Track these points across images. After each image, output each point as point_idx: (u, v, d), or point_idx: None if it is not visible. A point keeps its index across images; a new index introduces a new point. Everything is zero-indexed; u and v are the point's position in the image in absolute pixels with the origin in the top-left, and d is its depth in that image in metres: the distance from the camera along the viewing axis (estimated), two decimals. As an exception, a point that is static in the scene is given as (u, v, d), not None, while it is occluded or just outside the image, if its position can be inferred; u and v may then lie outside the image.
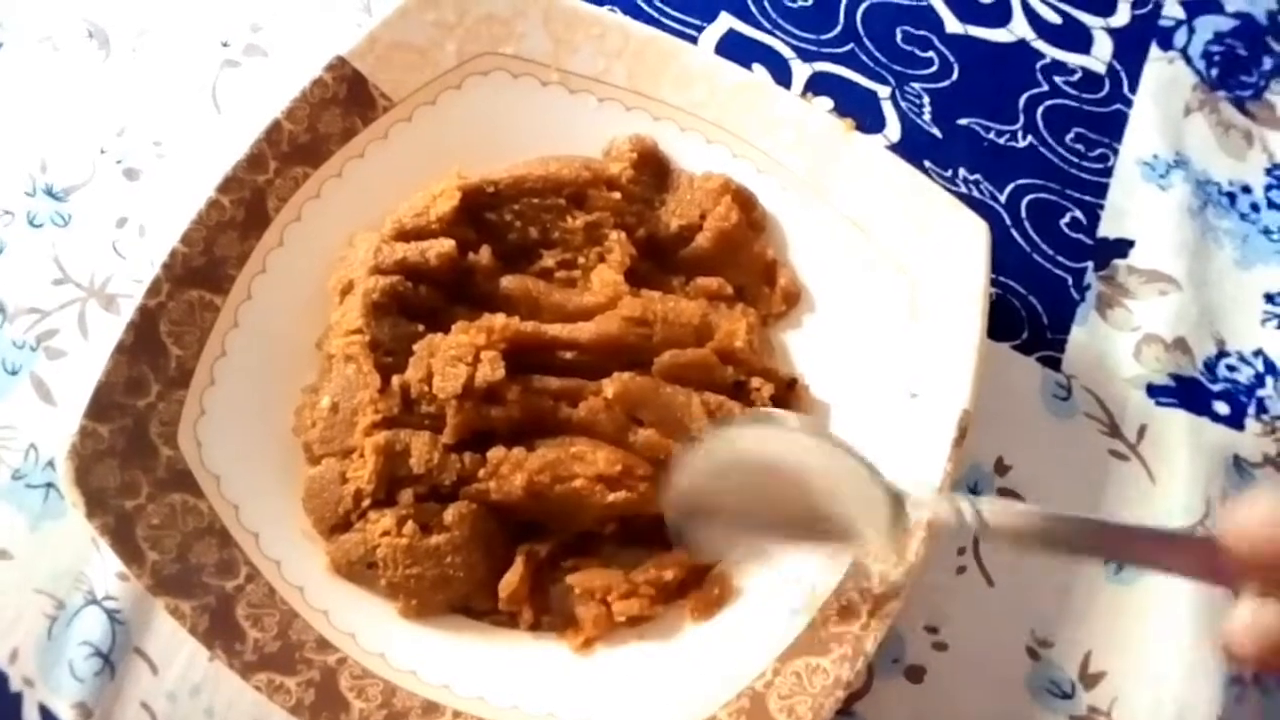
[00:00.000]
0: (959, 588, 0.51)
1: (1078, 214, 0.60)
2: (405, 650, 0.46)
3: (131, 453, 0.46)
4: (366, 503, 0.47)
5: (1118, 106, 0.64)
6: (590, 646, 0.48)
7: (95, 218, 0.57)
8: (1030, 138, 0.62)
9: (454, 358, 0.48)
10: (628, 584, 0.48)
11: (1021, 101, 0.63)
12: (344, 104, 0.54)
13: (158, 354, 0.48)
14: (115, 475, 0.45)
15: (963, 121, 0.62)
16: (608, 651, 0.48)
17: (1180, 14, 0.68)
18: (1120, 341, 0.57)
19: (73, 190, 0.58)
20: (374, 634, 0.47)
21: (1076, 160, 0.62)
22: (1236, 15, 0.68)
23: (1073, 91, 0.64)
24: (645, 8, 0.65)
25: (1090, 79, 0.65)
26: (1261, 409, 0.56)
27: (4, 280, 0.56)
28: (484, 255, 0.52)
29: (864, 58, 0.64)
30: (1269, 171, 0.63)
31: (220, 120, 0.61)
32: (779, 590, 0.47)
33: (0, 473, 0.51)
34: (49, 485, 0.51)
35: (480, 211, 0.53)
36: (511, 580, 0.48)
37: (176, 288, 0.49)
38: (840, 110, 0.62)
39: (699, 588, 0.49)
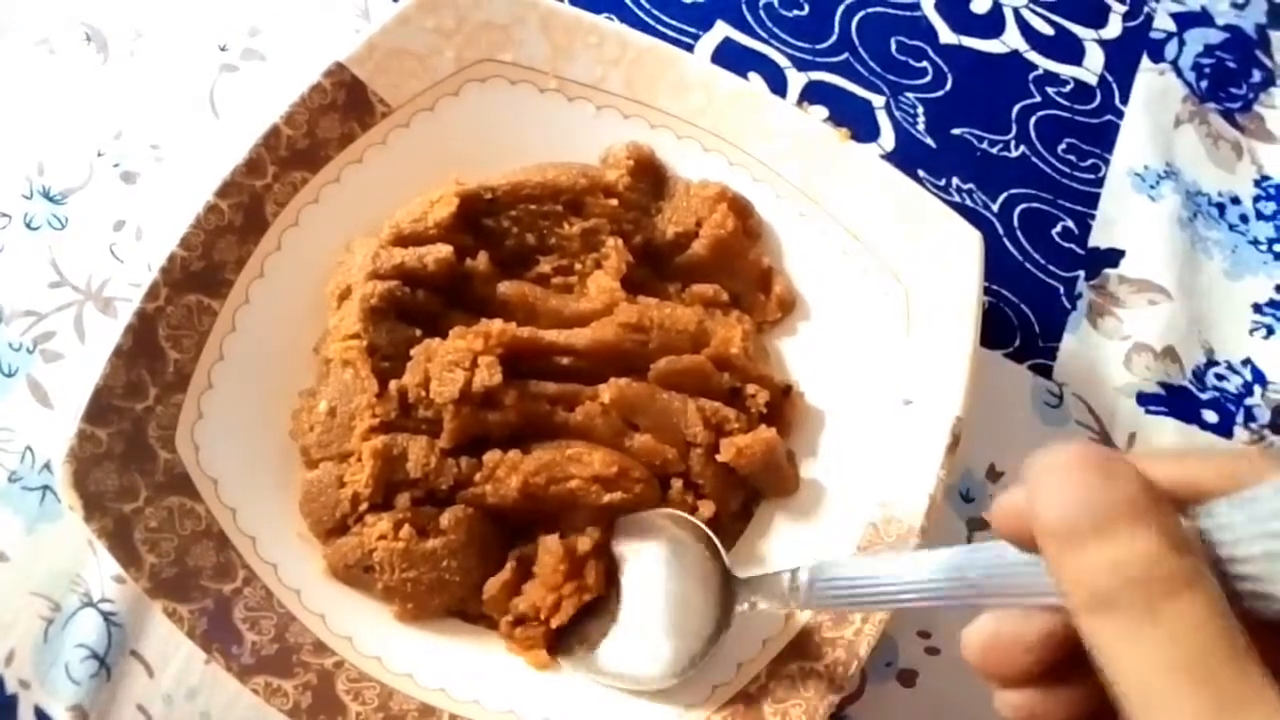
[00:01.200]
0: (951, 593, 0.52)
1: (1069, 224, 0.61)
2: (402, 654, 0.47)
3: (129, 456, 0.46)
4: (364, 506, 0.48)
5: (1109, 117, 0.65)
6: (552, 663, 0.48)
7: (92, 221, 0.57)
8: (1023, 148, 0.63)
9: (451, 363, 0.48)
10: (552, 595, 0.47)
11: (1014, 112, 0.64)
12: (342, 109, 0.54)
13: (156, 358, 0.48)
14: (113, 478, 0.45)
15: (956, 131, 0.63)
16: (603, 656, 0.48)
17: (1171, 26, 0.68)
18: (1111, 350, 0.58)
19: (70, 193, 0.58)
20: (371, 637, 0.47)
21: (1068, 170, 0.62)
22: (1226, 28, 0.69)
23: (1065, 102, 0.65)
24: (642, 16, 0.65)
25: (1082, 90, 0.65)
26: (1250, 417, 0.57)
27: (0, 283, 0.56)
28: (481, 261, 0.52)
29: (859, 67, 0.65)
30: (1258, 183, 0.64)
31: (218, 124, 0.61)
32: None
33: (-4, 475, 0.51)
34: (45, 488, 0.51)
35: (478, 217, 0.53)
36: (493, 585, 0.48)
37: (174, 292, 0.49)
38: (835, 119, 0.62)
39: (579, 574, 0.48)
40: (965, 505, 0.53)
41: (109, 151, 0.59)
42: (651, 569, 0.48)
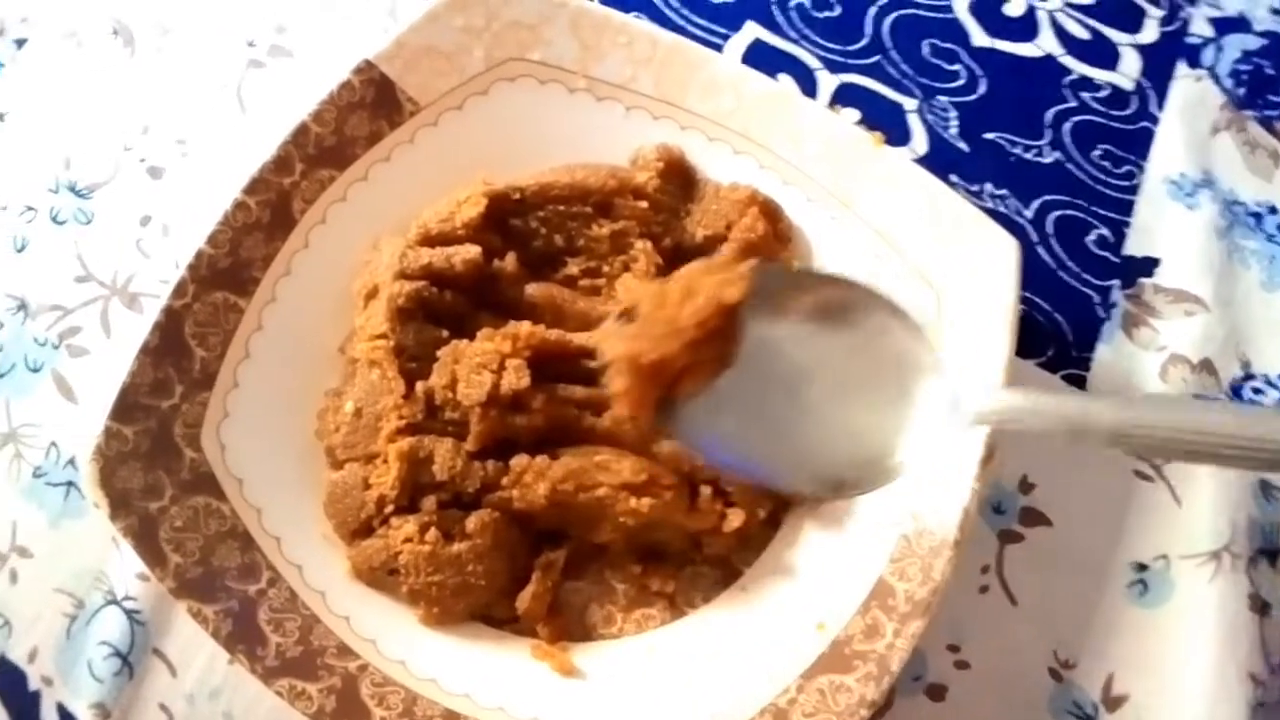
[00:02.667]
0: (982, 606, 0.51)
1: (1104, 231, 0.60)
2: (426, 658, 0.46)
3: (155, 454, 0.46)
4: (389, 509, 0.47)
5: (1144, 124, 0.64)
6: (577, 670, 0.47)
7: (118, 215, 0.57)
8: (1057, 154, 0.62)
9: (479, 365, 0.47)
10: (686, 351, 0.37)
11: (1048, 117, 0.63)
12: (371, 108, 0.53)
13: (182, 356, 0.48)
14: (139, 477, 0.45)
15: (989, 136, 0.62)
16: (629, 665, 0.47)
17: (1209, 32, 0.67)
18: (1146, 361, 0.56)
19: (96, 188, 0.58)
20: (395, 641, 0.46)
21: (1103, 177, 0.62)
22: (1265, 34, 0.68)
23: (1100, 108, 0.64)
24: (672, 16, 0.65)
25: (1117, 95, 0.64)
26: (1287, 432, 0.56)
27: (26, 277, 0.56)
28: (509, 262, 0.52)
29: (891, 70, 0.64)
30: (1296, 192, 0.63)
31: (245, 120, 0.61)
32: (802, 604, 0.47)
33: (21, 470, 0.51)
34: (70, 484, 0.51)
35: (506, 218, 0.53)
36: (525, 597, 0.48)
37: (202, 289, 0.49)
38: (867, 122, 0.62)
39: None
40: (997, 517, 0.53)
41: (136, 146, 0.59)
42: (821, 347, 0.37)
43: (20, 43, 0.62)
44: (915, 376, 0.37)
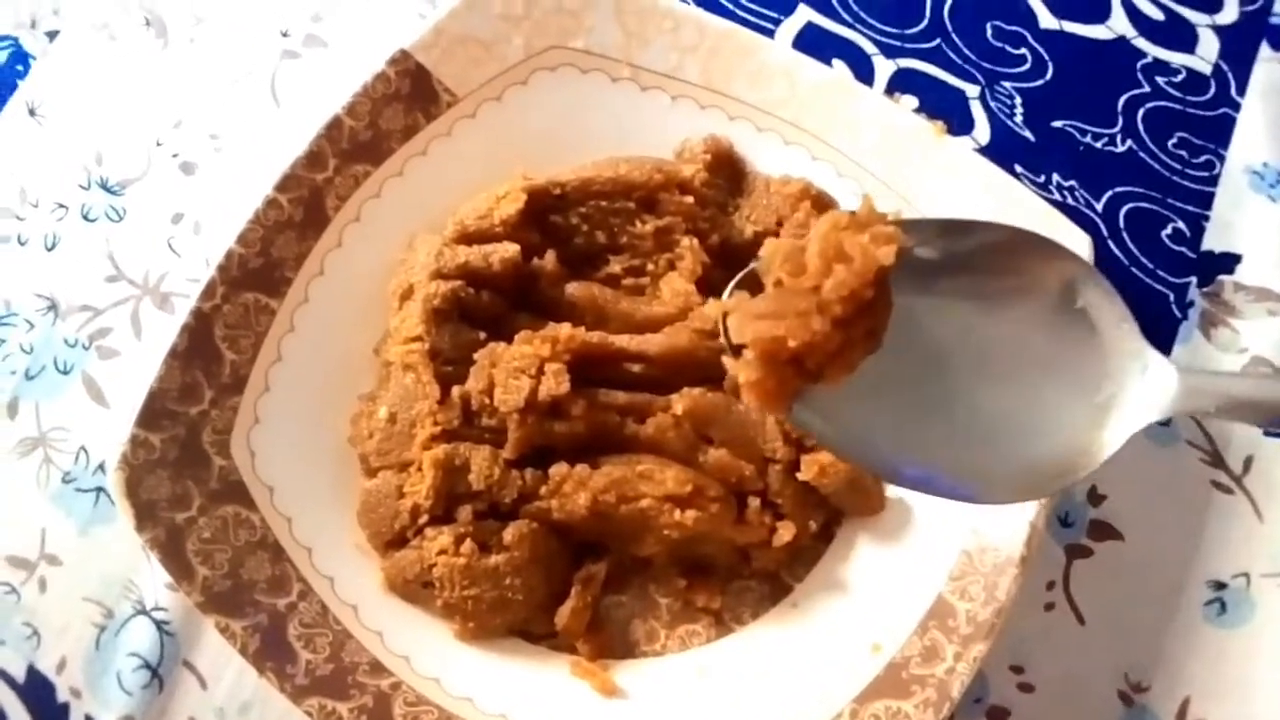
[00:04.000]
0: (1047, 625, 0.48)
1: (1180, 225, 0.56)
2: (461, 676, 0.45)
3: (183, 463, 0.44)
4: (424, 519, 0.46)
5: (1224, 110, 0.60)
6: (619, 690, 0.45)
7: (150, 213, 0.56)
8: (1130, 142, 0.58)
9: (517, 369, 0.45)
10: (835, 332, 0.30)
11: (1120, 103, 0.60)
12: (406, 99, 0.52)
13: (212, 359, 0.46)
14: (166, 486, 0.44)
15: (1057, 124, 0.59)
16: (672, 684, 0.45)
17: (1293, 10, 0.63)
18: (1225, 364, 0.53)
19: (128, 184, 0.57)
20: (429, 657, 0.45)
21: (1179, 167, 0.58)
22: (1356, 12, 0.63)
23: (1176, 93, 0.60)
24: (720, 0, 0.62)
25: (1195, 80, 0.61)
26: (1379, 440, 0.52)
27: (57, 276, 0.54)
28: (549, 260, 0.50)
29: (952, 54, 0.61)
30: (1389, 182, 0.59)
31: (279, 113, 0.59)
32: (855, 623, 0.45)
33: (51, 476, 0.50)
34: (99, 489, 0.50)
35: (546, 214, 0.51)
36: (564, 612, 0.46)
37: (232, 290, 0.47)
38: (926, 110, 0.58)
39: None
40: (1065, 530, 0.50)
41: (168, 141, 0.58)
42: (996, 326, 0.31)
43: (52, 35, 0.61)
44: (1119, 357, 0.31)
